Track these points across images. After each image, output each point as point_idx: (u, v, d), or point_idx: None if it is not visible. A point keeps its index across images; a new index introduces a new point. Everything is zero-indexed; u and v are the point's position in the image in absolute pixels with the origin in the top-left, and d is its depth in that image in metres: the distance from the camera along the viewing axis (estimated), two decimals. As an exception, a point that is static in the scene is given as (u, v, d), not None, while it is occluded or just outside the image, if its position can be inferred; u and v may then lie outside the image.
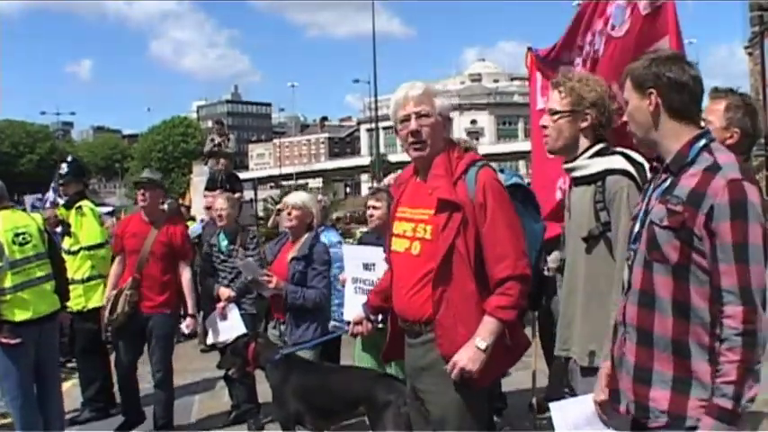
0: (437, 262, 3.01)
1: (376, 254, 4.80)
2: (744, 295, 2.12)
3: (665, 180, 2.35)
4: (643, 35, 4.29)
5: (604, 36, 4.66)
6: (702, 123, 2.46)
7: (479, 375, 2.95)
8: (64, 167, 6.79)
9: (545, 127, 3.17)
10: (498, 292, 2.97)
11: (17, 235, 5.15)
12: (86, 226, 6.47)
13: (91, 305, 6.32)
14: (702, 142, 2.30)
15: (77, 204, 6.54)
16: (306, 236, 5.22)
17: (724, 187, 2.16)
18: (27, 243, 5.19)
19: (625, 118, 2.50)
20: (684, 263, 2.23)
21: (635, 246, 2.40)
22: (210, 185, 11.18)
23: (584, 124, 3.08)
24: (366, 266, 4.87)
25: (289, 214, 5.22)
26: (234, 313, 5.86)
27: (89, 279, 6.35)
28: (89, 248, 6.39)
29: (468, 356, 2.93)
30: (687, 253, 2.21)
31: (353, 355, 5.17)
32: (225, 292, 5.92)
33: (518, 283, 2.98)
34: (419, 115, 3.12)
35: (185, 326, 5.82)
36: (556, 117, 3.10)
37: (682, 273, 2.24)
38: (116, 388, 6.72)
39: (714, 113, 3.45)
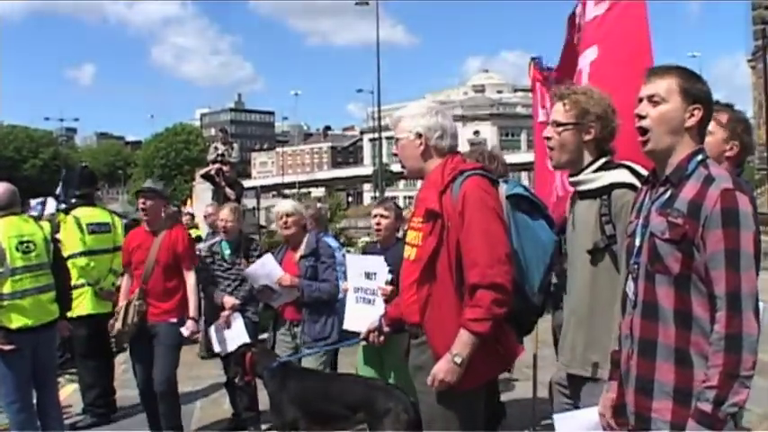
0: (421, 267, 3.13)
1: (378, 263, 4.85)
2: (730, 301, 2.17)
3: (663, 193, 2.40)
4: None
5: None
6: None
7: (459, 382, 3.01)
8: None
9: (548, 138, 3.16)
10: (471, 304, 2.99)
11: (21, 242, 5.16)
12: (67, 234, 6.49)
13: (78, 312, 6.27)
14: (700, 157, 2.37)
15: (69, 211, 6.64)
16: (306, 236, 5.29)
17: (717, 197, 2.22)
18: (30, 252, 5.20)
19: (641, 111, 2.44)
20: (686, 273, 2.27)
21: (638, 259, 2.43)
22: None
23: (588, 137, 3.07)
24: (368, 275, 4.92)
25: (285, 223, 5.25)
26: (238, 322, 5.87)
27: (74, 287, 6.26)
28: (69, 257, 6.31)
29: (444, 369, 3.00)
30: (688, 264, 2.26)
31: (356, 366, 5.20)
32: (229, 300, 5.92)
33: (489, 292, 2.95)
34: (395, 140, 3.38)
35: (185, 328, 5.67)
36: (560, 129, 3.10)
37: (683, 283, 2.28)
38: (117, 394, 6.78)
39: (715, 125, 3.53)
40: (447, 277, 3.08)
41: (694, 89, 2.39)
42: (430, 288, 3.12)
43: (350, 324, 4.97)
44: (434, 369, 3.03)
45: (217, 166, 12.29)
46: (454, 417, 3.12)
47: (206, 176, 12.75)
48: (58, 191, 8.42)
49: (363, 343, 4.72)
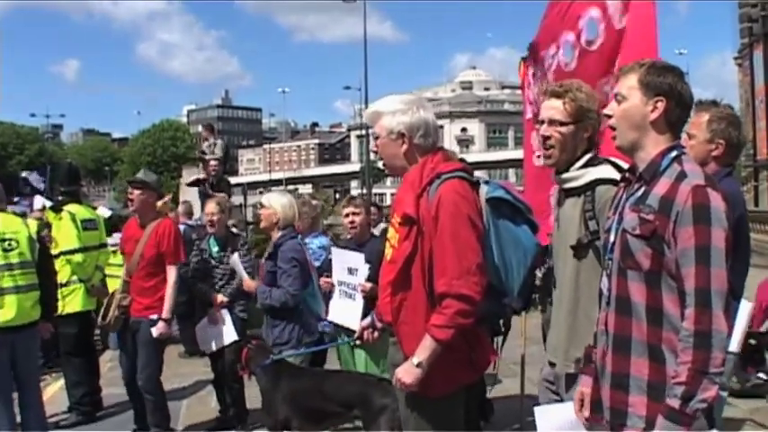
0: (395, 271, 3.07)
1: (358, 259, 4.87)
2: (699, 297, 2.17)
3: (637, 189, 2.40)
4: (615, 49, 4.34)
5: (577, 50, 4.67)
6: (684, 136, 2.50)
7: (423, 387, 2.96)
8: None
9: (547, 137, 3.08)
10: (437, 310, 2.94)
11: (3, 240, 5.06)
12: (63, 231, 6.44)
13: (69, 309, 6.26)
14: (674, 153, 2.36)
15: (61, 208, 6.59)
16: (278, 234, 5.12)
17: (688, 193, 2.21)
18: (12, 250, 5.08)
19: (608, 111, 2.49)
20: (656, 270, 2.28)
21: (611, 255, 2.44)
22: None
23: (586, 135, 3.06)
24: (350, 271, 4.95)
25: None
26: (226, 319, 5.85)
27: (67, 284, 6.28)
28: (65, 253, 6.33)
29: (404, 370, 2.98)
30: (659, 260, 2.27)
31: (344, 359, 5.23)
32: (218, 297, 5.89)
33: (455, 301, 2.89)
34: (374, 137, 3.28)
35: (155, 329, 5.48)
36: (562, 129, 3.04)
37: (654, 280, 2.29)
38: (103, 392, 6.77)
39: (698, 127, 3.51)
40: (420, 283, 3.02)
41: (655, 82, 2.37)
42: (404, 293, 3.07)
43: (333, 316, 5.08)
44: (397, 370, 3.02)
45: (203, 175, 12.34)
46: (426, 422, 3.09)
47: (193, 184, 12.83)
48: (42, 186, 8.37)
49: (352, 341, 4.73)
